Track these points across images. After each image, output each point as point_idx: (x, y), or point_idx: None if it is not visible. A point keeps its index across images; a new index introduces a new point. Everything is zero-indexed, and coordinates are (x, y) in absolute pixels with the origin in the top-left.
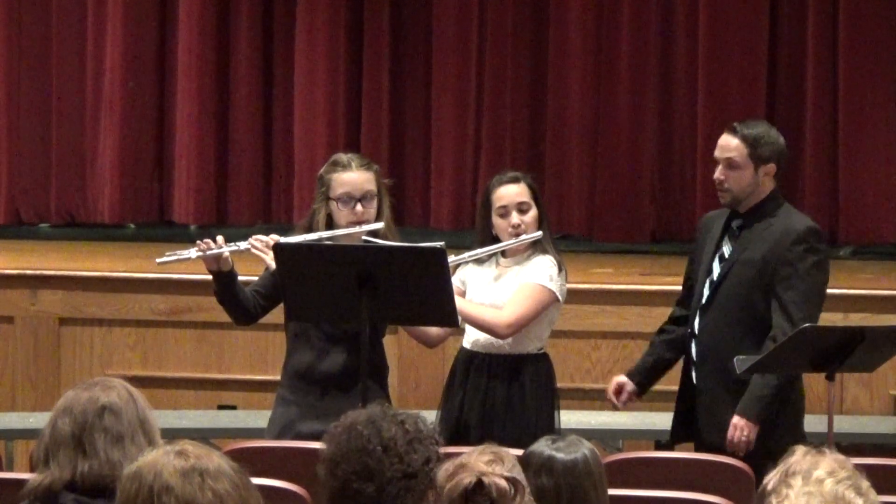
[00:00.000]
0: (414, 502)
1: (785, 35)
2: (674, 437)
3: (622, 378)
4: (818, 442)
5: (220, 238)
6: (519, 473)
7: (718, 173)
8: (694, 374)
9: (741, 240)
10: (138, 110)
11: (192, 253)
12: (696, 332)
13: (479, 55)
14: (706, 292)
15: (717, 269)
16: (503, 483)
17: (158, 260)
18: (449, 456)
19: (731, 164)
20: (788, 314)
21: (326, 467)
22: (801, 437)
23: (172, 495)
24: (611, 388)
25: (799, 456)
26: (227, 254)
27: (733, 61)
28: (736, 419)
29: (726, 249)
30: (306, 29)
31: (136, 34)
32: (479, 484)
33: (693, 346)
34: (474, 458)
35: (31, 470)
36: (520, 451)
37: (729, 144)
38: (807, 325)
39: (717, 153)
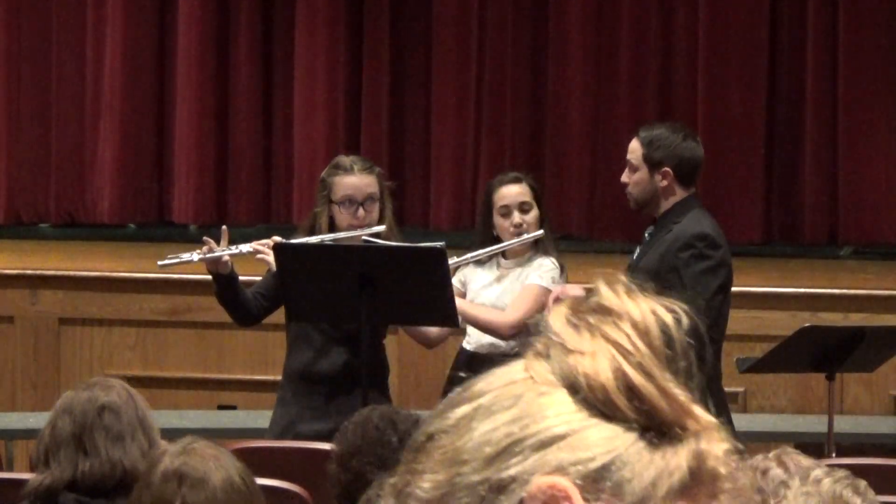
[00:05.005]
0: None
1: (785, 36)
2: None
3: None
4: (818, 442)
5: (223, 228)
6: None
7: (623, 176)
8: None
9: (644, 248)
10: (138, 110)
11: (194, 256)
12: None
13: (479, 55)
14: None
15: None
16: None
17: (160, 262)
18: None
19: (630, 166)
20: None
21: (338, 462)
22: None
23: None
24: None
25: (759, 460)
26: (226, 258)
27: (733, 61)
28: None
29: (634, 257)
30: (306, 29)
31: (136, 34)
32: None
33: None
34: None
35: (31, 470)
36: None
37: (631, 146)
38: (806, 325)
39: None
